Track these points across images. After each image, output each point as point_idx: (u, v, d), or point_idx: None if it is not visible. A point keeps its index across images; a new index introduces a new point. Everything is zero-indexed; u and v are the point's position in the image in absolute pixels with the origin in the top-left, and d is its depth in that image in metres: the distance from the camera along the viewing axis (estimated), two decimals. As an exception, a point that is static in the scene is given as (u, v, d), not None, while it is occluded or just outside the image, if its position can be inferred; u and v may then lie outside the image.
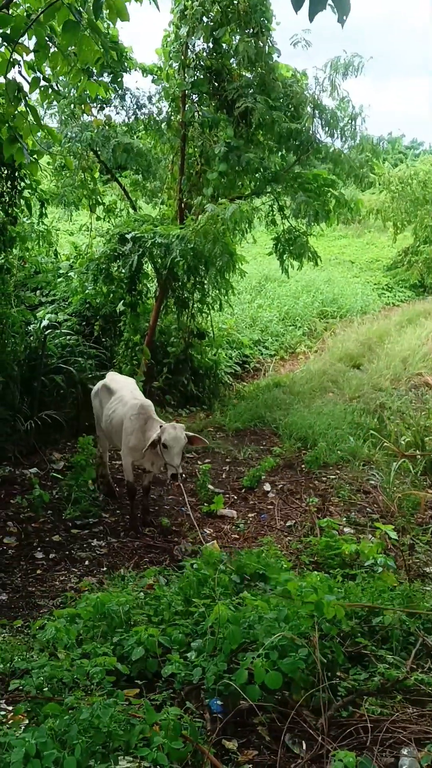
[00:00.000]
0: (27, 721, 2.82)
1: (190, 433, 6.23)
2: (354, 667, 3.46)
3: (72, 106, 10.09)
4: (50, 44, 4.98)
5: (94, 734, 2.41)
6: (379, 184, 22.22)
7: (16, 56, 4.96)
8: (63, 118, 10.38)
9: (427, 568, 6.21)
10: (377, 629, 3.76)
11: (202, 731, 2.82)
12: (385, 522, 6.72)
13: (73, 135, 10.07)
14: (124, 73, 10.31)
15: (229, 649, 3.09)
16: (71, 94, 9.80)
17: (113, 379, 7.29)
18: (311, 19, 3.03)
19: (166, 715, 2.58)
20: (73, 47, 4.82)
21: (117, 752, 2.52)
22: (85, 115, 10.06)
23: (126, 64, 10.10)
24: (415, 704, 3.16)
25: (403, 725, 2.93)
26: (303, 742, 2.82)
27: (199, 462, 8.36)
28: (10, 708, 3.03)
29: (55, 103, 9.76)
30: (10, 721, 2.82)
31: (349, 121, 10.30)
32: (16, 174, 7.94)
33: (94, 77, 9.61)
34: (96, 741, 2.41)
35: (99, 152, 10.43)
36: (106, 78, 9.98)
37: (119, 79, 10.34)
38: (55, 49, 5.03)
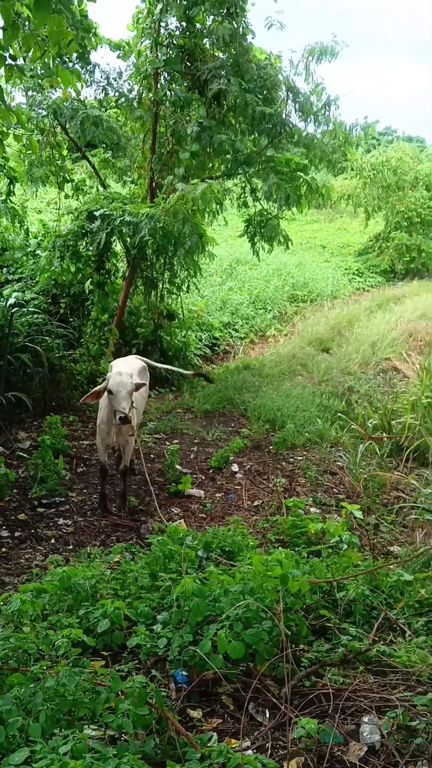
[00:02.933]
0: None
1: (138, 381, 6.10)
2: (318, 639, 3.52)
3: (40, 81, 9.88)
4: (19, 24, 4.83)
5: (60, 702, 2.42)
6: (352, 170, 22.32)
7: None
8: (29, 94, 10.16)
9: (392, 547, 6.31)
10: (341, 603, 3.81)
11: (167, 700, 2.84)
12: (351, 502, 6.79)
13: (39, 107, 9.87)
14: (91, 50, 10.14)
15: (194, 621, 3.11)
16: (39, 72, 9.59)
17: (115, 365, 6.64)
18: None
19: (132, 684, 2.59)
20: (44, 28, 4.67)
21: (82, 720, 2.53)
22: (51, 88, 9.85)
23: (93, 39, 9.92)
24: (377, 674, 3.22)
25: (365, 694, 2.99)
26: (266, 710, 2.86)
27: (167, 443, 8.36)
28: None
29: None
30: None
31: (324, 107, 10.29)
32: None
33: (67, 64, 9.49)
34: (61, 708, 2.42)
35: (67, 127, 10.23)
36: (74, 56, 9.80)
37: (86, 56, 10.17)
38: (27, 31, 4.89)
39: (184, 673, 3.00)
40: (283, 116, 9.85)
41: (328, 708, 2.83)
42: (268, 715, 2.83)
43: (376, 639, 3.55)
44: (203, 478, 7.59)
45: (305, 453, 8.38)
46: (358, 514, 6.05)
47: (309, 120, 10.12)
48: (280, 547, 5.23)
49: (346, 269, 21.89)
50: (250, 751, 2.51)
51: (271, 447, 8.45)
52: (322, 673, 3.12)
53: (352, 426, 9.13)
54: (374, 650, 3.30)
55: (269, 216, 10.74)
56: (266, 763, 2.25)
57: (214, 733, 2.64)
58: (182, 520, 6.20)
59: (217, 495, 7.18)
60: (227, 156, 10.18)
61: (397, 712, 2.78)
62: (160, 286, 10.67)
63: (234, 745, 2.51)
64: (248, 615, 3.06)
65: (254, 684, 2.95)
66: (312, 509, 6.84)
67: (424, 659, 3.25)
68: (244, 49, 9.49)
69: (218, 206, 9.69)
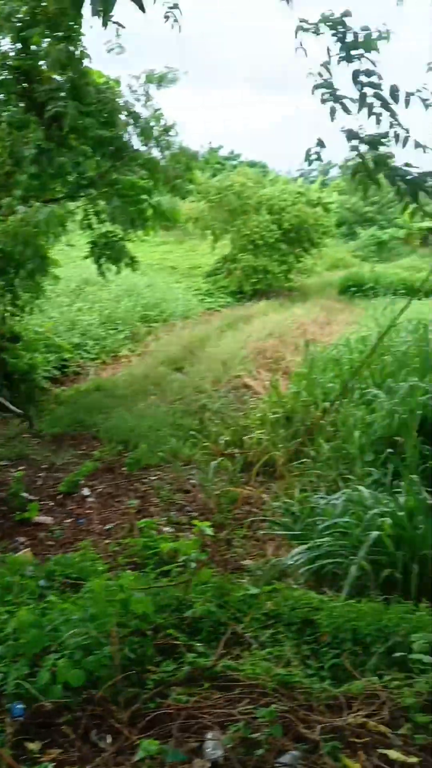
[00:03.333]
0: None
1: None
2: (165, 659, 3.46)
3: None
4: None
5: None
6: (198, 193, 22.81)
7: None
8: None
9: (244, 561, 6.40)
10: (188, 621, 3.79)
11: (2, 735, 2.70)
12: (204, 519, 6.83)
13: None
14: None
15: (31, 653, 2.98)
16: None
17: None
18: (105, 25, 3.04)
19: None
20: None
21: None
22: None
23: None
24: (222, 690, 3.21)
25: (209, 710, 2.97)
26: (108, 736, 2.78)
27: (12, 469, 8.04)
28: None
29: None
30: None
31: (163, 132, 10.45)
32: None
33: None
34: None
35: None
36: None
37: None
38: None
39: (20, 706, 2.87)
40: (125, 140, 9.88)
41: (171, 728, 2.79)
42: (110, 740, 2.75)
43: (223, 654, 3.55)
44: (52, 504, 7.36)
45: (159, 472, 8.35)
46: (209, 531, 6.08)
47: (151, 145, 10.22)
48: (128, 570, 5.13)
49: (196, 290, 22.28)
50: (90, 783, 2.42)
51: (123, 468, 8.35)
52: (167, 693, 3.08)
53: (205, 443, 9.22)
54: (220, 665, 3.30)
55: (115, 238, 10.72)
56: (102, 793, 2.18)
57: (51, 764, 2.54)
58: (28, 550, 5.96)
59: (67, 521, 6.98)
60: (69, 178, 10.06)
61: (239, 726, 2.79)
62: (1, 308, 10.31)
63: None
64: (88, 642, 2.97)
65: (96, 710, 2.86)
66: (165, 529, 6.81)
67: (269, 671, 3.28)
68: (81, 72, 9.44)
69: (62, 228, 9.54)
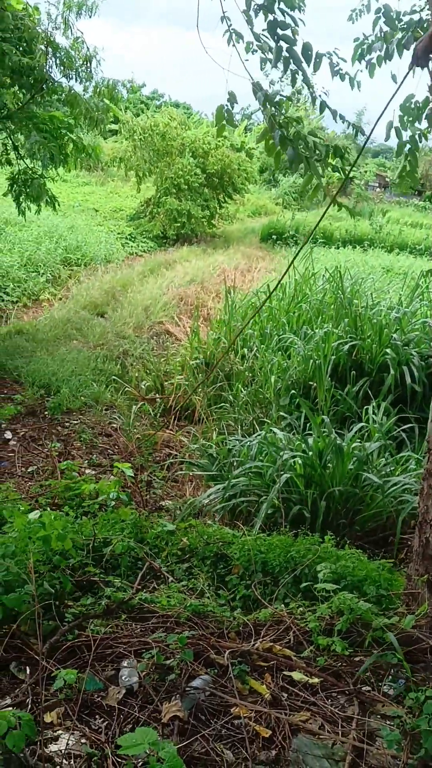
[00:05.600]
0: None
1: None
2: (84, 594, 3.61)
3: None
4: None
5: None
6: (122, 133, 22.22)
7: None
8: None
9: (163, 501, 6.60)
10: (107, 558, 3.94)
11: None
12: (125, 461, 6.96)
13: None
14: None
15: None
16: None
17: None
18: None
19: None
20: None
21: None
22: None
23: None
24: (139, 621, 3.39)
25: (125, 640, 3.14)
26: (27, 667, 2.90)
27: None
28: None
29: None
30: None
31: (84, 62, 10.10)
32: None
33: None
34: None
35: None
36: None
37: None
38: None
39: None
40: (44, 70, 9.50)
41: (89, 658, 2.94)
42: (29, 671, 2.88)
43: (140, 588, 3.72)
44: (-28, 448, 7.32)
45: (81, 417, 8.40)
46: (129, 473, 6.23)
47: (71, 76, 9.87)
48: (49, 509, 5.23)
49: (119, 234, 21.90)
50: (9, 708, 2.54)
51: (46, 412, 8.34)
52: (85, 626, 3.23)
53: (127, 388, 9.31)
54: (137, 599, 3.46)
55: (34, 175, 10.41)
56: (21, 716, 2.31)
57: (-28, 698, 2.64)
58: None
59: (-11, 464, 6.97)
60: (-14, 110, 9.66)
61: (153, 653, 2.96)
62: None
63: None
64: (8, 578, 3.07)
65: (16, 643, 2.98)
66: (87, 471, 6.91)
67: (183, 602, 3.48)
68: (-2, -4, 8.97)
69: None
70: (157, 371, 9.90)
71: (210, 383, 8.96)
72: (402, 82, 3.55)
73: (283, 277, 6.12)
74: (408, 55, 4.11)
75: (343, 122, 4.22)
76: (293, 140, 3.84)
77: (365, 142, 4.59)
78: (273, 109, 3.79)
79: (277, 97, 3.82)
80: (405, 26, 3.99)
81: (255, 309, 11.37)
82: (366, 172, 37.99)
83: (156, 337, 12.29)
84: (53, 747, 2.48)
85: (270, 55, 3.91)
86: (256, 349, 9.43)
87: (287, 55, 3.67)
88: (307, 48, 3.78)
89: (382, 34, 4.37)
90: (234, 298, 12.10)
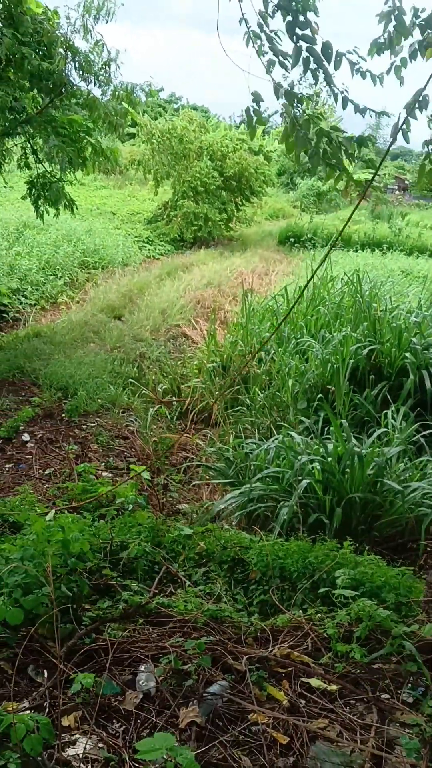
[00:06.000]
0: None
1: None
2: (101, 598, 3.61)
3: None
4: None
5: None
6: (141, 135, 22.28)
7: None
8: None
9: (180, 505, 6.59)
10: (124, 561, 3.93)
11: None
12: (142, 464, 6.97)
13: None
14: None
15: (-30, 593, 3.06)
16: None
17: None
18: None
19: None
20: None
21: None
22: None
23: None
24: (156, 625, 3.38)
25: (142, 645, 3.14)
26: (45, 671, 2.90)
27: None
28: None
29: None
30: None
31: (104, 66, 10.13)
32: None
33: None
34: None
35: None
36: None
37: None
38: None
39: (-40, 645, 2.96)
40: (63, 74, 9.55)
41: (106, 662, 2.94)
42: (47, 675, 2.88)
43: (157, 592, 3.72)
44: (-9, 449, 7.36)
45: (98, 419, 8.42)
46: (146, 476, 6.23)
47: (90, 80, 9.91)
48: (66, 512, 5.24)
49: (136, 237, 21.96)
50: (27, 711, 2.54)
51: (63, 415, 8.38)
52: (103, 629, 3.23)
53: (144, 391, 9.32)
54: (154, 603, 3.46)
55: (53, 179, 10.47)
56: (39, 719, 2.31)
57: (-10, 700, 2.65)
58: (-34, 495, 5.98)
59: (7, 466, 7.01)
60: (6, 114, 9.70)
61: (171, 658, 2.96)
62: None
63: (12, 707, 2.53)
64: (27, 581, 3.07)
65: (33, 647, 2.98)
66: (104, 473, 6.92)
67: (200, 606, 3.47)
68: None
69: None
70: (174, 374, 9.91)
71: (227, 386, 8.96)
72: (427, 83, 3.50)
73: (305, 286, 6.09)
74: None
75: (366, 115, 4.18)
76: (318, 137, 3.83)
77: (390, 143, 4.55)
78: (294, 108, 3.78)
79: (299, 95, 3.82)
80: (423, 23, 3.94)
81: (273, 313, 11.35)
82: (385, 174, 37.84)
83: (173, 340, 12.30)
84: (71, 751, 2.48)
85: (281, 59, 3.90)
86: (273, 352, 9.40)
87: (306, 55, 3.66)
88: (327, 47, 3.76)
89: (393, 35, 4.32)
90: (251, 302, 12.08)
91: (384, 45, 3.92)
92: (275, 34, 3.90)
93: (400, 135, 4.11)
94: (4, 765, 2.23)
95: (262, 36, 3.83)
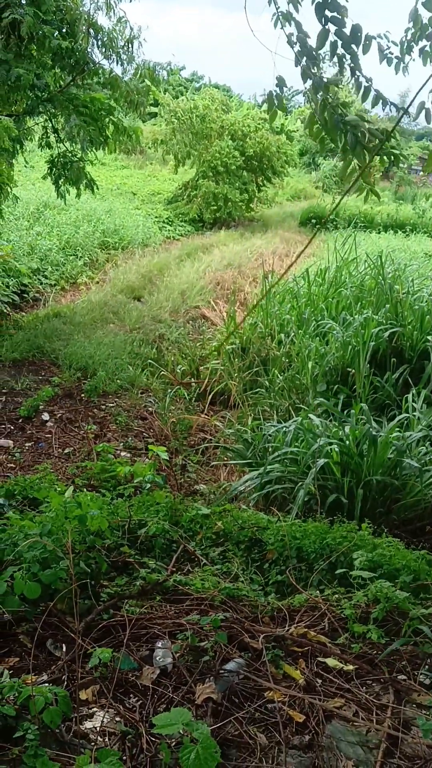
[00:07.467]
0: None
1: None
2: (119, 575, 3.63)
3: None
4: None
5: None
6: (163, 115, 22.13)
7: None
8: None
9: (198, 485, 6.61)
10: (142, 539, 3.96)
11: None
12: (160, 445, 6.98)
13: None
14: None
15: (-10, 567, 3.10)
16: None
17: None
18: None
19: None
20: None
21: None
22: None
23: None
24: (173, 602, 3.40)
25: (160, 621, 3.16)
26: (64, 645, 2.93)
27: (-28, 393, 8.05)
28: None
29: None
30: None
31: (127, 44, 10.03)
32: None
33: None
34: None
35: None
36: None
37: None
38: None
39: (-21, 617, 2.99)
40: (86, 52, 9.48)
41: (123, 637, 2.96)
42: (65, 649, 2.91)
43: (174, 570, 3.73)
44: (12, 428, 7.42)
45: (117, 400, 8.45)
46: (164, 456, 6.25)
47: (112, 58, 9.82)
48: (85, 490, 5.28)
49: (156, 217, 21.88)
50: (46, 684, 2.57)
51: (82, 395, 8.42)
52: (120, 606, 3.25)
53: (162, 372, 9.33)
54: (171, 580, 3.47)
55: (74, 158, 10.43)
56: (57, 692, 2.33)
57: (8, 671, 2.68)
58: (-13, 472, 6.05)
59: (27, 444, 7.07)
60: (29, 92, 9.66)
61: (187, 635, 2.97)
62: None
63: (30, 680, 2.56)
64: (45, 556, 3.10)
65: (52, 621, 3.01)
66: (122, 453, 6.96)
67: (217, 585, 3.48)
68: (38, -23, 8.94)
69: (17, 146, 9.24)
70: (193, 356, 9.90)
71: (246, 368, 8.94)
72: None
73: (288, 270, 6.02)
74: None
75: (388, 108, 4.11)
76: (353, 126, 3.76)
77: (398, 120, 4.48)
78: (322, 94, 3.71)
79: (325, 80, 3.74)
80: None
81: (293, 294, 11.28)
82: (409, 155, 37.30)
83: (192, 321, 12.28)
84: (88, 724, 2.51)
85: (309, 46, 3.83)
86: (293, 334, 9.35)
87: (334, 38, 3.58)
88: (356, 30, 3.67)
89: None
90: (271, 283, 12.02)
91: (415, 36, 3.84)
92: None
93: (422, 116, 4.04)
94: (23, 736, 2.26)
95: (292, 24, 3.75)
